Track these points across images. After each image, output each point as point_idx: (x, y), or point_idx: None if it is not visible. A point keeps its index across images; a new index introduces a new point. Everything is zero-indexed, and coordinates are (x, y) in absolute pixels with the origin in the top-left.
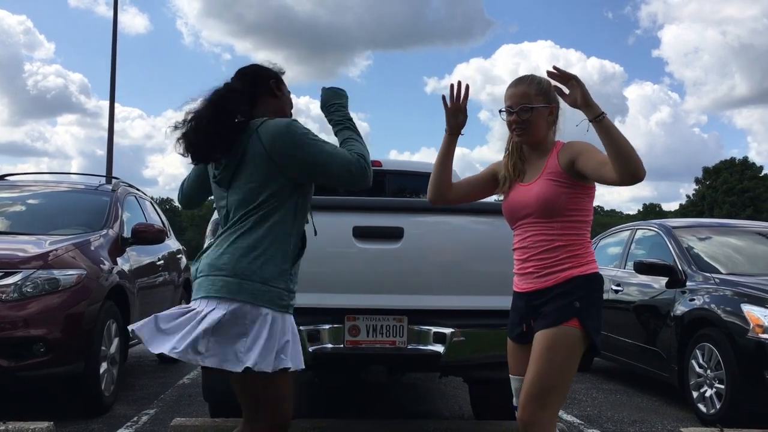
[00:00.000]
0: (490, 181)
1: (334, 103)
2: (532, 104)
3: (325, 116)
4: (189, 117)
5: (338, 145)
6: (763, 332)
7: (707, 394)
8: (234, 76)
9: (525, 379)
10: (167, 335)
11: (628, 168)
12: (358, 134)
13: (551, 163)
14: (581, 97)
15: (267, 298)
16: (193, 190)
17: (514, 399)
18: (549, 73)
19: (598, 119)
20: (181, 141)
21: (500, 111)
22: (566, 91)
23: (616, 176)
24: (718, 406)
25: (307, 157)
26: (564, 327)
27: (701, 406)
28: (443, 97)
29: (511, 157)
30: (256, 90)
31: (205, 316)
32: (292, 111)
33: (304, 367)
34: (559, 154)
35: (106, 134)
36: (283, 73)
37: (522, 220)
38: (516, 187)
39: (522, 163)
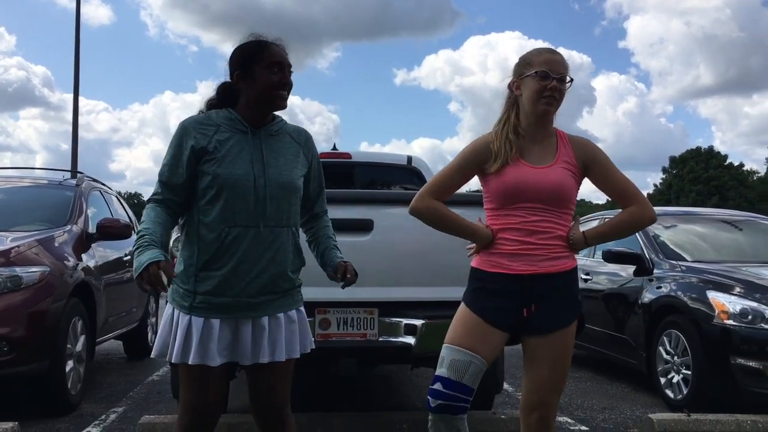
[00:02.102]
0: (470, 174)
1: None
2: (570, 76)
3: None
4: None
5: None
6: (728, 318)
7: (674, 380)
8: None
9: (548, 376)
10: None
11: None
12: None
13: (565, 152)
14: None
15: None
16: None
17: (449, 371)
18: None
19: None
20: None
21: (534, 73)
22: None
23: None
24: (685, 392)
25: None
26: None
27: (669, 392)
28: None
29: (505, 131)
30: (231, 87)
31: None
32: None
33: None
34: (574, 147)
35: (70, 128)
36: (260, 44)
37: (526, 203)
38: (520, 166)
39: (516, 140)
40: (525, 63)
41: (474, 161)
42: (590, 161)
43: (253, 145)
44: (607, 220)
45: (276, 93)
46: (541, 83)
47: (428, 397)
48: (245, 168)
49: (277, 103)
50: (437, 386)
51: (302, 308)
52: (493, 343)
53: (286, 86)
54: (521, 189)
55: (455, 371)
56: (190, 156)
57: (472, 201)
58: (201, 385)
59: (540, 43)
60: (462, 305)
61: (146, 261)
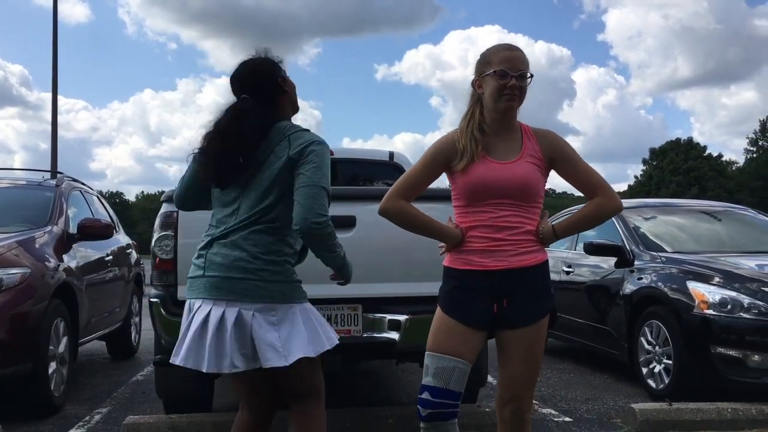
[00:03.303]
0: (438, 171)
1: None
2: (530, 72)
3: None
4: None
5: None
6: (708, 308)
7: (656, 370)
8: (245, 82)
9: (520, 370)
10: None
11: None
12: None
13: (530, 146)
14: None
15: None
16: (187, 191)
17: (435, 380)
18: None
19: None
20: (205, 167)
21: (493, 72)
22: None
23: None
24: (666, 381)
25: (313, 178)
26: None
27: (651, 382)
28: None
29: (470, 129)
30: (267, 95)
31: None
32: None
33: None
34: (539, 141)
35: (49, 127)
36: (281, 61)
37: (494, 199)
38: (486, 163)
39: (481, 137)
40: (485, 61)
41: (440, 160)
42: (556, 154)
43: None
44: (575, 211)
45: None
46: (500, 82)
47: (418, 406)
48: None
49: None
50: (425, 395)
51: None
52: (474, 344)
53: None
54: (488, 185)
55: (441, 379)
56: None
57: (441, 196)
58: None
59: (519, 38)
60: (438, 310)
61: None
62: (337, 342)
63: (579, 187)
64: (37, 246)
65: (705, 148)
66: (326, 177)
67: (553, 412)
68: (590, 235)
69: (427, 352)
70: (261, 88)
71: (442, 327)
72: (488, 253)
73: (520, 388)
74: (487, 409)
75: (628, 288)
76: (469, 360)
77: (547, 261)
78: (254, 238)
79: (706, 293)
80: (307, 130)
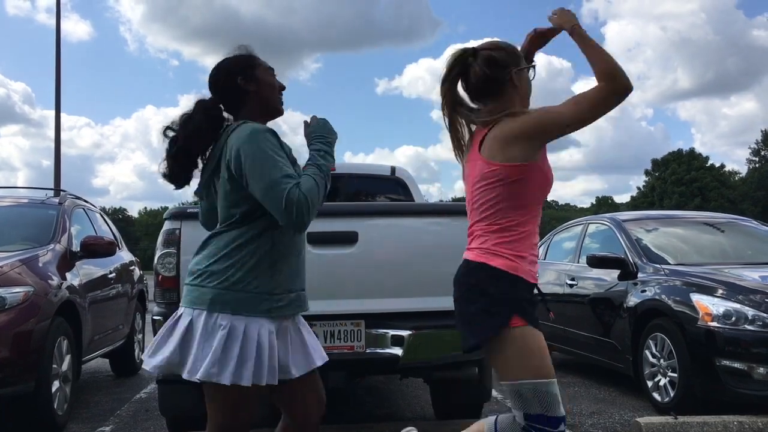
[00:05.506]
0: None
1: (320, 134)
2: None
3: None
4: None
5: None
6: (712, 320)
7: (661, 383)
8: (209, 85)
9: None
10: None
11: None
12: (323, 173)
13: None
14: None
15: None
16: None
17: (563, 407)
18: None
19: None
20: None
21: (533, 66)
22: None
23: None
24: (672, 394)
25: (251, 173)
26: None
27: (656, 395)
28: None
29: None
30: (229, 99)
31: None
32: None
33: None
34: None
35: (52, 144)
36: (251, 54)
37: (543, 202)
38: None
39: None
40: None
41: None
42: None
43: None
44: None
45: (279, 96)
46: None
47: None
48: None
49: (279, 107)
50: (562, 428)
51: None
52: None
53: (283, 90)
54: (551, 183)
55: (561, 402)
56: None
57: (457, 211)
58: (245, 404)
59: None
60: (524, 327)
61: None
62: (249, 383)
63: (579, 97)
64: (40, 264)
65: (707, 158)
66: (269, 167)
67: None
68: (593, 247)
69: (545, 380)
70: (217, 90)
71: (542, 346)
72: (534, 264)
73: None
74: None
75: (632, 301)
76: None
77: None
78: (213, 242)
79: (709, 305)
80: (241, 125)
